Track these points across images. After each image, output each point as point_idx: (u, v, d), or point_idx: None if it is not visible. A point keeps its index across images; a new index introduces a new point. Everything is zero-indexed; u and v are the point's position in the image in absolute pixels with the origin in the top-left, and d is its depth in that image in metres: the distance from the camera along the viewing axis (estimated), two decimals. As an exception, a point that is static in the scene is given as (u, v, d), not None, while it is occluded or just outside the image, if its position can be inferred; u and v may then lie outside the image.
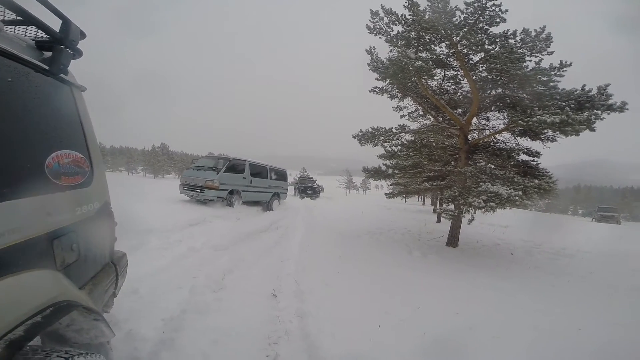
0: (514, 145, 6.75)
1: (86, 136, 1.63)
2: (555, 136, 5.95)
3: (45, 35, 1.41)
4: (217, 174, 9.24)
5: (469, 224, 5.64)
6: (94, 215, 1.65)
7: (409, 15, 5.77)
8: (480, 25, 5.47)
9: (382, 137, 7.40)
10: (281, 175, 12.67)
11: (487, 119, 7.20)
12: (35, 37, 1.44)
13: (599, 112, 4.92)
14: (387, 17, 6.04)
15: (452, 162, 6.58)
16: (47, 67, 1.35)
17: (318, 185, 26.93)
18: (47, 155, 1.31)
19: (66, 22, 1.40)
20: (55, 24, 1.40)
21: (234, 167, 9.88)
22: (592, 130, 4.98)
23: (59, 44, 1.40)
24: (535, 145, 6.64)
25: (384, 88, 7.34)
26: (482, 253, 6.81)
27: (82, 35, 1.51)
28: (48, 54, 1.40)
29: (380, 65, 6.10)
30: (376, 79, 6.76)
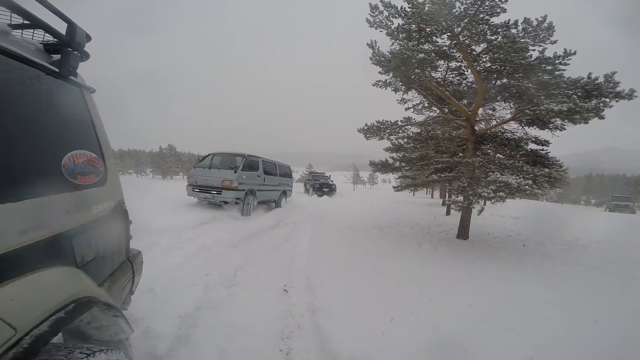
0: (522, 134, 6.69)
1: (98, 136, 1.67)
2: (564, 125, 5.88)
3: (53, 39, 1.44)
4: (235, 172, 8.23)
5: (478, 214, 5.61)
6: (110, 214, 1.70)
7: (409, 7, 5.73)
8: (481, 15, 5.41)
9: (388, 130, 7.39)
10: (287, 172, 12.46)
11: (494, 109, 7.13)
12: (43, 41, 1.47)
13: (607, 99, 4.85)
14: (387, 10, 6.01)
15: (460, 154, 6.54)
16: (57, 70, 1.39)
17: (333, 181, 24.45)
18: (63, 156, 1.36)
19: (72, 25, 1.43)
20: (60, 28, 1.42)
21: (250, 164, 9.02)
22: (602, 118, 4.92)
23: (67, 47, 1.43)
24: (543, 134, 6.59)
25: (387, 81, 7.30)
26: (494, 245, 6.76)
27: (88, 38, 1.55)
28: (56, 56, 1.43)
29: (383, 59, 6.08)
30: (379, 72, 6.73)
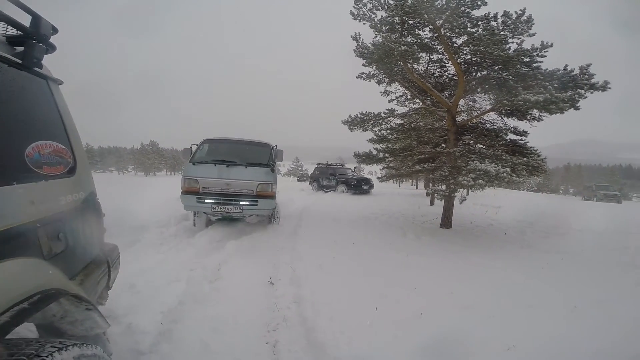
0: (501, 125, 6.85)
1: (66, 128, 1.65)
2: (541, 115, 6.05)
3: (16, 32, 1.43)
4: (273, 170, 6.18)
5: (460, 203, 5.73)
6: (80, 206, 1.68)
7: (392, 0, 5.74)
8: (462, 8, 5.47)
9: (372, 122, 7.45)
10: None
11: (474, 101, 7.28)
12: (5, 34, 1.46)
13: (582, 91, 5.01)
14: (371, 3, 6.02)
15: (442, 144, 6.65)
16: (20, 61, 1.37)
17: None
18: (27, 146, 1.34)
19: (36, 18, 1.43)
20: (24, 21, 1.43)
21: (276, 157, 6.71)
22: (577, 108, 5.08)
23: (31, 39, 1.43)
24: (522, 125, 6.76)
25: (371, 74, 7.33)
26: (476, 233, 6.91)
27: (54, 30, 1.55)
28: (20, 48, 1.43)
29: (366, 51, 6.09)
30: (363, 65, 6.75)
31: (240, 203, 5.77)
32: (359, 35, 6.46)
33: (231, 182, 5.72)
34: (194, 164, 5.93)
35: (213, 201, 5.65)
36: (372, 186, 17.53)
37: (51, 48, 1.57)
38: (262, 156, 6.43)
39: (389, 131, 7.59)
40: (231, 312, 3.03)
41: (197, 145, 6.50)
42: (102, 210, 1.97)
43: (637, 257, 4.89)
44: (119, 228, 4.83)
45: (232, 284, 3.66)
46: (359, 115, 7.44)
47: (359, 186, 16.82)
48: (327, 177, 18.25)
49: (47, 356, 0.99)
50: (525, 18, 5.48)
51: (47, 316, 1.37)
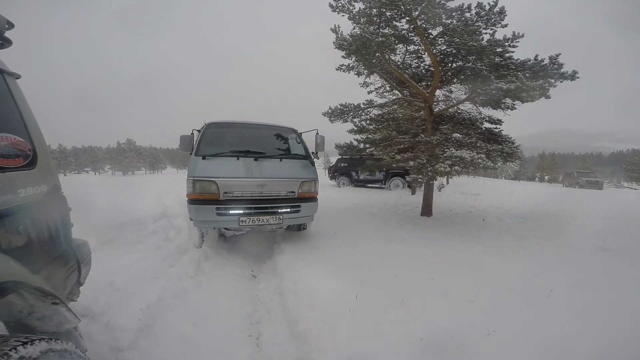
0: (476, 114, 7.03)
1: (25, 121, 1.62)
2: (514, 104, 6.24)
3: None
4: (313, 164, 5.06)
5: (439, 190, 5.85)
6: (43, 199, 1.64)
7: None
8: (437, 0, 5.53)
9: (351, 113, 7.49)
10: None
11: (451, 91, 7.42)
12: None
13: (552, 80, 5.18)
14: None
15: (422, 134, 6.77)
16: None
17: None
18: None
19: None
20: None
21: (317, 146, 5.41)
22: (548, 97, 5.27)
23: None
24: (497, 114, 6.95)
25: (351, 65, 7.34)
26: (456, 220, 7.06)
27: (10, 25, 1.54)
28: None
29: (344, 43, 6.10)
30: (342, 56, 6.75)
31: (280, 211, 4.46)
32: (339, 28, 6.45)
33: (266, 182, 4.38)
34: (204, 158, 4.30)
35: (241, 211, 4.24)
36: None
37: (7, 43, 1.57)
38: (293, 145, 5.22)
39: (368, 122, 7.65)
40: (213, 306, 3.03)
41: (198, 130, 4.94)
42: (69, 204, 1.93)
43: (609, 241, 5.04)
44: (97, 227, 4.74)
45: (214, 278, 3.65)
46: (339, 106, 7.46)
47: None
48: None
49: (9, 350, 0.96)
50: (498, 9, 5.59)
51: (13, 312, 1.34)
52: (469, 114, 7.20)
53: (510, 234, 5.90)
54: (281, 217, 4.44)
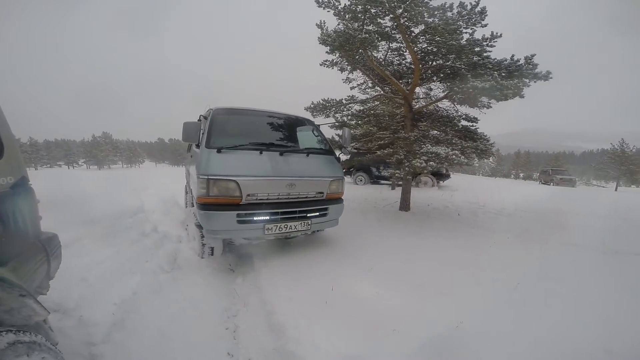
0: (453, 112, 7.21)
1: None
2: (490, 103, 6.43)
3: None
4: (337, 159, 4.58)
5: (416, 185, 5.94)
6: (9, 191, 1.62)
7: None
8: (421, -2, 5.60)
9: (333, 109, 7.52)
10: None
11: (430, 89, 7.55)
12: None
13: (527, 79, 5.35)
14: None
15: (401, 131, 6.88)
16: None
17: None
18: None
19: None
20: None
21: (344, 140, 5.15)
22: (522, 96, 5.44)
23: None
24: (473, 112, 7.12)
25: (334, 61, 7.37)
26: (432, 215, 7.18)
27: None
28: None
29: (328, 38, 6.10)
30: (326, 52, 6.76)
31: (309, 215, 3.95)
32: (324, 23, 6.43)
33: (296, 182, 3.78)
34: (219, 151, 3.52)
35: (267, 217, 3.62)
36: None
37: None
38: (313, 138, 4.66)
39: (349, 117, 7.70)
40: (190, 300, 3.00)
41: (204, 117, 4.20)
42: (37, 196, 1.89)
43: (573, 235, 5.25)
44: (67, 221, 4.60)
45: (191, 272, 3.59)
46: (321, 101, 7.49)
47: (447, 175, 14.45)
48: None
49: None
50: (479, 9, 5.69)
51: None
52: (447, 112, 7.36)
53: (482, 228, 6.06)
54: (309, 222, 3.90)
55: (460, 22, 5.67)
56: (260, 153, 3.73)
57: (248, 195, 3.47)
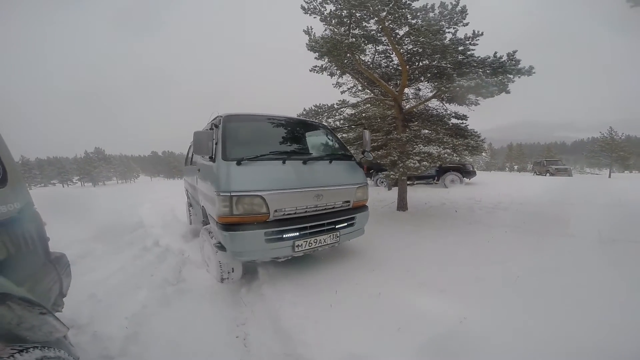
0: (442, 111, 7.34)
1: None
2: (477, 100, 6.56)
3: None
4: (360, 164, 4.51)
5: (412, 184, 5.99)
6: (17, 215, 1.70)
7: None
8: (404, 0, 5.74)
9: (326, 114, 7.62)
10: None
11: (419, 89, 7.69)
12: None
13: (511, 75, 5.47)
14: None
15: (394, 132, 6.99)
16: None
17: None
18: None
19: None
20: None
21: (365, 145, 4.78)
22: (507, 92, 5.53)
23: None
24: (462, 110, 7.24)
25: (323, 66, 7.48)
26: (430, 213, 7.24)
27: None
28: None
29: (316, 45, 6.21)
30: (315, 58, 6.86)
31: (338, 226, 3.70)
32: (311, 29, 6.52)
33: (323, 192, 3.53)
34: (239, 164, 3.18)
35: (297, 233, 3.34)
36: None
37: None
38: (330, 144, 4.40)
39: (342, 121, 7.80)
40: (198, 311, 3.05)
41: (215, 125, 3.65)
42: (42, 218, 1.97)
43: (570, 226, 5.27)
44: (69, 240, 4.64)
45: (196, 284, 3.65)
46: (314, 107, 7.59)
47: (474, 172, 14.02)
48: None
49: (7, 357, 1.01)
50: (460, 8, 5.82)
51: (3, 324, 1.38)
52: (437, 111, 7.48)
53: (480, 224, 6.07)
54: (338, 233, 3.67)
55: (443, 22, 5.79)
56: (283, 163, 3.44)
57: (275, 211, 3.19)
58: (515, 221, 6.12)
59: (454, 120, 7.11)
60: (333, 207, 3.67)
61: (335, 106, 7.65)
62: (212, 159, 3.35)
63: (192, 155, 5.18)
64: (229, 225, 3.06)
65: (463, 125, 6.90)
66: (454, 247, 4.58)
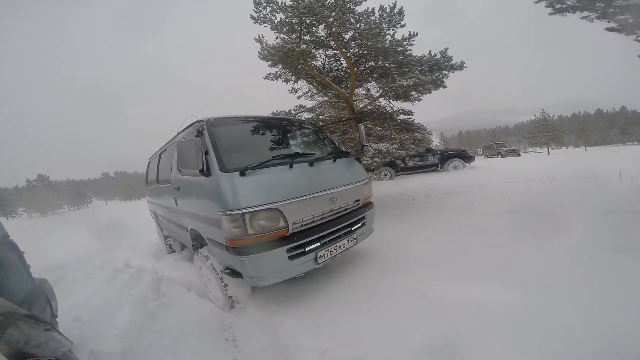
0: (390, 109, 7.83)
1: None
2: (419, 96, 7.09)
3: None
4: (359, 159, 4.62)
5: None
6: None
7: (290, 1, 6.00)
8: (348, 5, 6.04)
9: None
10: None
11: (368, 90, 8.10)
12: None
13: (445, 72, 6.00)
14: (270, 6, 6.20)
15: (350, 130, 7.30)
16: None
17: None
18: None
19: None
20: None
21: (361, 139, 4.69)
22: (444, 87, 6.06)
23: None
24: (408, 106, 7.79)
25: (278, 73, 7.66)
26: (390, 204, 7.52)
27: None
28: None
29: (268, 54, 6.35)
30: (268, 65, 6.97)
31: (353, 228, 3.48)
32: (263, 37, 6.60)
33: (336, 194, 3.26)
34: (243, 174, 2.75)
35: (318, 243, 3.03)
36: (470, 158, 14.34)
37: None
38: (326, 142, 4.18)
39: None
40: (184, 320, 3.12)
41: (199, 131, 3.11)
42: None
43: (514, 204, 5.69)
44: (35, 270, 4.47)
45: (176, 296, 3.71)
46: (271, 114, 7.68)
47: (472, 157, 14.26)
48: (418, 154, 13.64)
49: None
50: (397, 10, 6.24)
51: (11, 343, 1.44)
52: (385, 109, 7.93)
53: (435, 209, 6.36)
54: (355, 235, 3.44)
55: (383, 25, 6.15)
56: (290, 167, 3.07)
57: (294, 223, 2.81)
58: (465, 203, 6.44)
59: (402, 117, 7.61)
60: (346, 209, 3.44)
61: (293, 111, 7.87)
62: (204, 172, 2.86)
63: (158, 172, 4.88)
64: (245, 248, 2.62)
65: (410, 120, 7.42)
66: (411, 234, 4.81)
